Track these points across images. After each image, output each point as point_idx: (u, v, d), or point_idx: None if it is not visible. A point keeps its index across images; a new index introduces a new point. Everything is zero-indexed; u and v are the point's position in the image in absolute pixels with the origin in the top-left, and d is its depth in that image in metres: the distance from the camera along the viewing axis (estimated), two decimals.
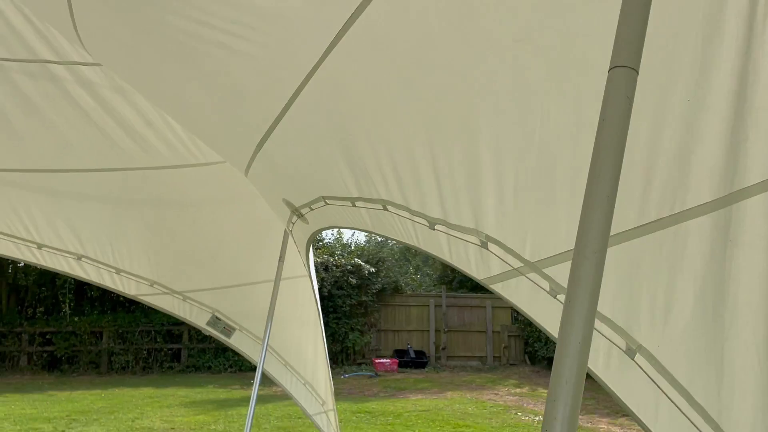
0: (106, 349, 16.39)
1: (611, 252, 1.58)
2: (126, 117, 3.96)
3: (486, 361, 19.30)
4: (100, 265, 4.86)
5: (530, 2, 1.43)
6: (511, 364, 19.05)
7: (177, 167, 4.59)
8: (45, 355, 16.26)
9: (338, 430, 6.35)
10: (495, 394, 13.31)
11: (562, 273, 1.72)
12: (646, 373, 1.55)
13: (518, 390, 13.96)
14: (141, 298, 5.19)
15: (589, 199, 1.00)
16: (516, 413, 10.59)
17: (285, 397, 11.73)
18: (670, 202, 1.42)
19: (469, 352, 19.42)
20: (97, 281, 4.94)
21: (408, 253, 25.36)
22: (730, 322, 1.36)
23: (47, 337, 16.35)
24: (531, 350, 18.86)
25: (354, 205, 2.59)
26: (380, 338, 18.89)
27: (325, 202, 2.85)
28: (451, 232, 2.08)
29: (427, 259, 27.29)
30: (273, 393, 12.57)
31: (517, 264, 1.85)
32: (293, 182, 3.06)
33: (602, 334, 1.64)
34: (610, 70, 1.06)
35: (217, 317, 5.48)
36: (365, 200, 2.47)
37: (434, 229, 2.15)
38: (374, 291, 18.45)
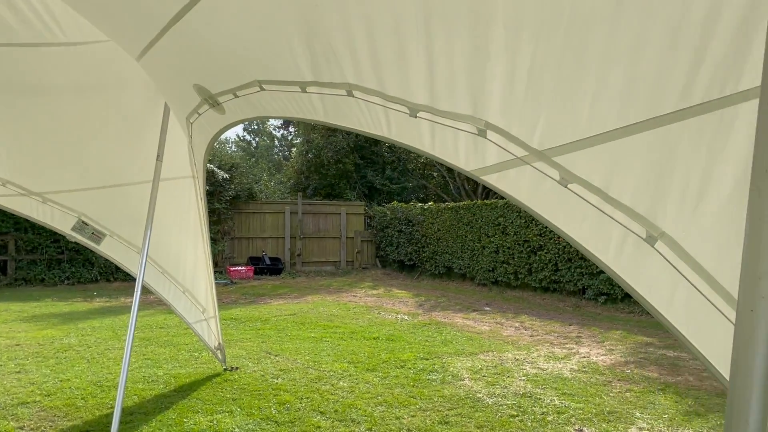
0: None
1: (640, 140, 1.54)
2: None
3: (339, 266, 19.76)
4: None
5: None
6: (363, 268, 19.70)
7: (33, 46, 3.86)
8: None
9: (220, 336, 6.15)
10: (354, 296, 13.71)
11: (576, 161, 1.65)
12: (666, 259, 1.56)
13: (374, 291, 14.50)
14: None
15: None
16: (378, 312, 11.02)
17: (143, 307, 11.12)
18: (721, 84, 1.37)
19: (323, 257, 19.72)
20: None
21: (261, 159, 24.40)
22: None
23: None
24: (382, 254, 19.58)
25: (304, 91, 2.30)
26: (234, 246, 18.46)
27: (261, 88, 2.52)
28: (439, 119, 1.91)
29: (280, 165, 26.49)
30: (125, 305, 11.86)
31: (521, 153, 1.75)
32: (216, 64, 2.67)
33: (618, 222, 1.62)
34: None
35: (84, 222, 4.88)
36: (322, 85, 2.20)
37: (416, 117, 1.97)
38: (227, 198, 17.80)
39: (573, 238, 1.74)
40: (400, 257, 18.45)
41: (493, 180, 1.87)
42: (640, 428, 4.87)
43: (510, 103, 1.71)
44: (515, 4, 1.58)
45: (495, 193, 16.63)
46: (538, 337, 8.86)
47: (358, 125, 2.22)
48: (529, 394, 5.75)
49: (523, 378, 6.38)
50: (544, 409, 5.31)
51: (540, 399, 5.61)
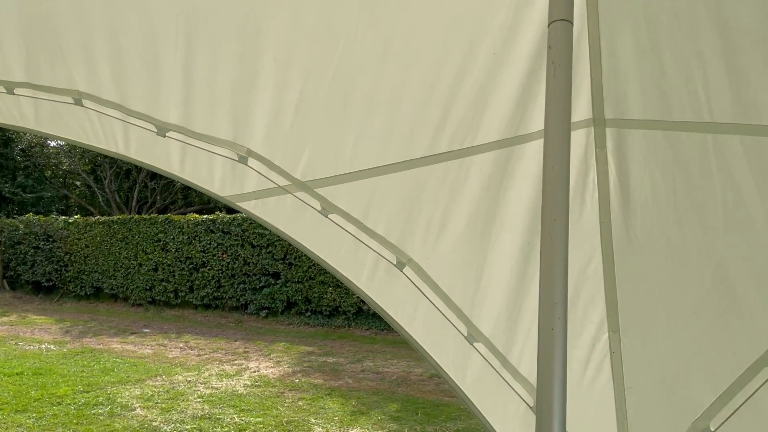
0: None
1: (395, 178, 1.77)
2: None
3: None
4: None
5: None
6: None
7: None
8: None
9: None
10: None
11: (337, 193, 1.78)
12: (412, 282, 1.79)
13: (5, 319, 12.38)
14: None
15: (549, 134, 1.15)
16: (16, 343, 9.45)
17: None
18: (462, 138, 1.67)
19: None
20: None
21: None
22: (495, 238, 1.73)
23: None
24: (12, 275, 16.82)
25: (11, 93, 1.96)
26: None
27: None
28: (193, 141, 1.85)
29: None
30: None
31: (283, 182, 1.81)
32: None
33: (371, 249, 1.81)
34: (550, 24, 1.21)
35: None
36: (38, 88, 1.92)
37: (165, 137, 1.87)
38: None
39: (329, 263, 1.86)
40: (36, 278, 16.11)
41: (250, 207, 1.88)
42: None
43: (275, 133, 1.76)
44: (287, 40, 1.65)
45: (152, 206, 15.79)
46: (206, 356, 8.78)
47: (84, 139, 1.97)
48: (207, 416, 5.67)
49: (199, 400, 6.26)
50: (226, 429, 5.32)
51: (220, 419, 5.59)
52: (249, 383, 7.04)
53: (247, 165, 1.82)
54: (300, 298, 12.12)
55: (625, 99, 1.52)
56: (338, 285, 11.68)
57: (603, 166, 1.61)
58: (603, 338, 1.74)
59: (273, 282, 12.34)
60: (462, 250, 1.76)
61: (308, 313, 12.20)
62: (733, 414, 1.53)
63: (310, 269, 12.00)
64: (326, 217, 1.81)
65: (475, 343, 1.82)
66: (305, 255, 12.64)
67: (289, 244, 12.26)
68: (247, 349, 9.26)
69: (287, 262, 12.23)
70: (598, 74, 1.52)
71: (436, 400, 6.30)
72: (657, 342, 1.63)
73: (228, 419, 5.54)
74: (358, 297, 11.69)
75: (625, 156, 1.56)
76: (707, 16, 1.32)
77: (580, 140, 1.59)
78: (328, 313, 11.97)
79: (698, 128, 1.42)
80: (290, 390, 6.75)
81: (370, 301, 1.87)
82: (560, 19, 1.18)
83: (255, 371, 7.70)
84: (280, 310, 12.33)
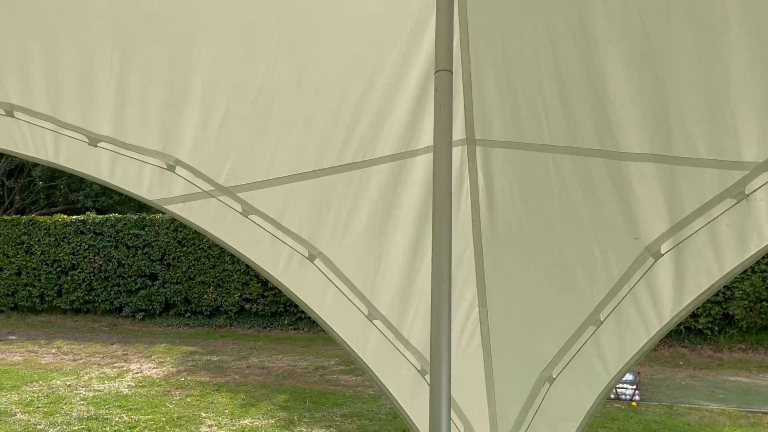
0: None
1: (307, 184, 2.11)
2: None
3: None
4: None
5: None
6: None
7: None
8: None
9: None
10: None
11: (257, 197, 2.08)
12: (321, 271, 2.13)
13: None
14: None
15: (436, 154, 1.53)
16: None
17: None
18: (363, 151, 2.04)
19: None
20: None
21: None
22: (390, 234, 2.11)
23: None
24: None
25: None
26: None
27: None
28: (123, 151, 2.07)
29: None
30: None
31: (208, 188, 2.08)
32: None
33: (286, 244, 2.12)
34: (436, 72, 1.60)
35: None
36: None
37: (96, 147, 2.07)
38: None
39: (249, 257, 2.15)
40: None
41: (176, 209, 2.12)
42: (210, 426, 5.42)
43: (202, 144, 2.02)
44: (214, 66, 1.92)
45: (10, 207, 14.70)
46: (83, 361, 8.50)
47: (13, 147, 2.11)
48: (95, 417, 5.63)
49: (83, 402, 6.16)
50: (116, 427, 5.33)
51: (108, 419, 5.57)
52: (133, 384, 6.98)
53: (174, 172, 2.06)
54: (179, 299, 11.94)
55: (490, 124, 1.96)
56: (219, 285, 11.64)
57: (474, 176, 2.04)
58: (474, 312, 2.19)
59: (150, 283, 12.05)
60: (363, 244, 2.12)
61: (188, 314, 12.05)
62: (568, 363, 2.03)
63: (190, 269, 11.86)
64: (246, 217, 2.10)
65: (374, 321, 2.19)
66: (184, 255, 12.46)
67: (167, 245, 12.03)
68: (126, 352, 9.06)
69: (165, 262, 11.99)
70: (469, 105, 1.95)
71: (322, 390, 6.64)
72: (514, 312, 2.10)
73: (116, 419, 5.54)
74: (239, 296, 11.73)
75: (490, 169, 2.01)
76: (546, 64, 1.78)
77: (456, 156, 2.01)
78: (208, 313, 11.90)
79: (542, 149, 1.89)
80: (177, 388, 6.79)
81: (285, 289, 2.19)
82: (444, 69, 1.58)
83: (137, 372, 7.62)
84: (157, 311, 12.07)
